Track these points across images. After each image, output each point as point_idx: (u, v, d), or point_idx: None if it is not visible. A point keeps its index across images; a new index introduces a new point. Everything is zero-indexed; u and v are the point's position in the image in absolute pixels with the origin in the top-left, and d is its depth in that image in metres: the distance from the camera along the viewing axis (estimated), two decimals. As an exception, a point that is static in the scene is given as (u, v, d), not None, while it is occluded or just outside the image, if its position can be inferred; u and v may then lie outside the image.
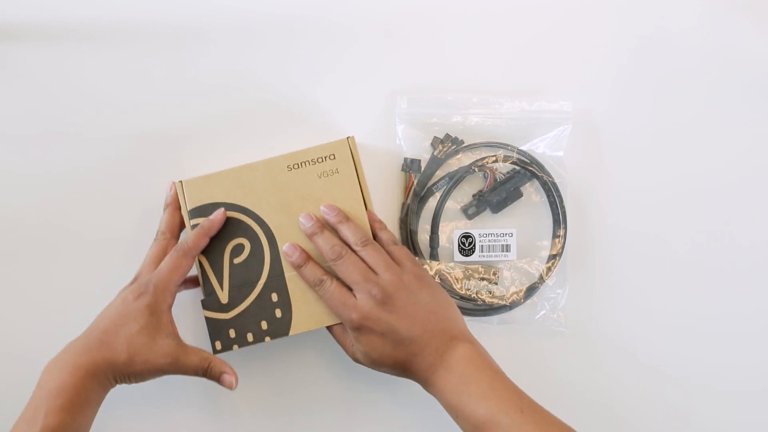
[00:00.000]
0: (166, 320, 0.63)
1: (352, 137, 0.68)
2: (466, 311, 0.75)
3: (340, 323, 0.67)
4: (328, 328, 0.68)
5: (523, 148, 0.76)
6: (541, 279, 0.75)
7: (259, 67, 0.77)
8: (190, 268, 0.67)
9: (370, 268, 0.64)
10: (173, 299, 0.65)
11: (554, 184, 0.75)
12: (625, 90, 0.78)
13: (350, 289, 0.65)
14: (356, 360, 0.66)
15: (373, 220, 0.68)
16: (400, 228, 0.76)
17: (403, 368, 0.63)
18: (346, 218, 0.67)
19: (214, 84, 0.77)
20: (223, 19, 0.77)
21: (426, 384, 0.63)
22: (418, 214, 0.75)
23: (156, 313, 0.63)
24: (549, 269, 0.75)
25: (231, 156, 0.74)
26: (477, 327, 0.75)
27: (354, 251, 0.65)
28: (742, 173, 0.78)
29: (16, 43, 0.76)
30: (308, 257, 0.67)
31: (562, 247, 0.75)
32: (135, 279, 0.66)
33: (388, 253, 0.66)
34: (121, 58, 0.76)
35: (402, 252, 0.67)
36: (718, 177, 0.78)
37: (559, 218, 0.75)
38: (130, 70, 0.76)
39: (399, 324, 0.62)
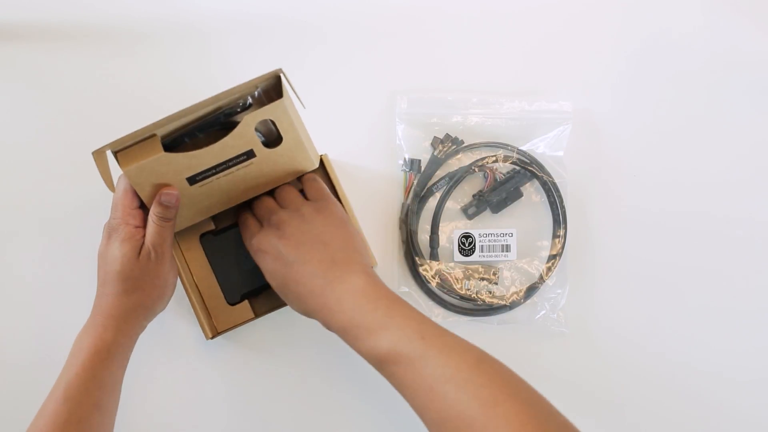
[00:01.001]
0: (139, 240, 0.63)
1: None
2: (466, 311, 0.75)
3: None
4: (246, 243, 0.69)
5: (523, 148, 0.76)
6: (541, 279, 0.75)
7: (259, 67, 0.77)
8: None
9: (279, 204, 0.66)
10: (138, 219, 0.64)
11: (554, 184, 0.75)
12: (625, 90, 0.78)
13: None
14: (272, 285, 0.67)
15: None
16: (400, 228, 0.76)
17: (300, 301, 0.62)
18: None
19: (213, 84, 0.76)
20: (222, 20, 0.77)
21: (324, 318, 0.61)
22: (418, 214, 0.75)
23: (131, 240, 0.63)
24: (549, 269, 0.75)
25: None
26: (477, 327, 0.76)
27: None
28: (743, 174, 0.78)
29: (16, 43, 0.76)
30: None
31: (562, 247, 0.75)
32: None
33: (304, 189, 0.68)
34: (120, 59, 0.77)
35: (312, 185, 0.68)
36: (718, 177, 0.78)
37: (559, 218, 0.75)
38: (130, 70, 0.77)
39: (285, 248, 0.62)
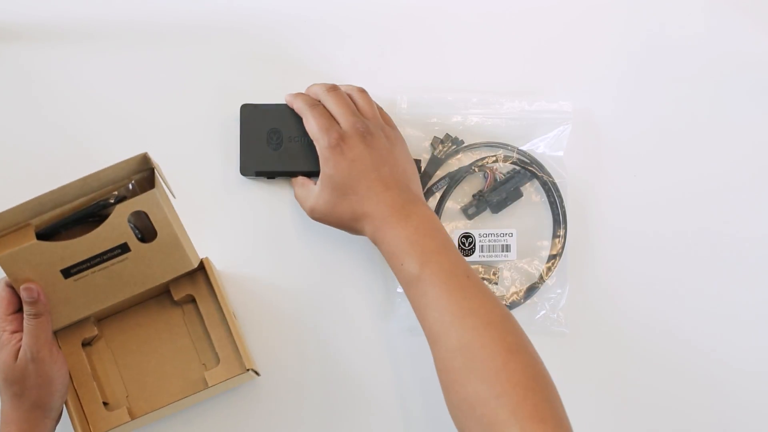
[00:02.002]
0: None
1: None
2: (466, 311, 0.75)
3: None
4: (295, 186, 0.73)
5: (523, 148, 0.76)
6: (541, 279, 0.75)
7: (259, 67, 0.77)
8: None
9: (359, 109, 0.70)
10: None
11: (554, 184, 0.75)
12: (625, 90, 0.78)
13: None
14: (315, 205, 0.69)
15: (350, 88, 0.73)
16: (400, 228, 0.76)
17: (360, 204, 0.66)
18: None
19: (211, 84, 0.77)
20: (221, 20, 0.77)
21: (379, 227, 0.65)
22: (418, 214, 0.75)
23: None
24: (549, 269, 0.75)
25: (228, 155, 0.74)
26: (477, 327, 0.76)
27: (348, 92, 0.71)
28: (745, 174, 0.78)
29: (16, 43, 0.76)
30: (300, 94, 0.73)
31: (562, 247, 0.75)
32: None
33: (380, 113, 0.72)
34: (123, 59, 0.77)
35: (388, 116, 0.73)
36: (719, 177, 0.77)
37: (559, 218, 0.75)
38: (131, 70, 0.77)
39: (371, 157, 0.66)
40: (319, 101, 0.71)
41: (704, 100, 0.78)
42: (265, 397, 0.74)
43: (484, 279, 0.75)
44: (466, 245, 0.75)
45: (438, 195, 0.76)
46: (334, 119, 0.69)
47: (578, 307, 0.76)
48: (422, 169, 0.75)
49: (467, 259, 0.75)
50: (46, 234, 0.62)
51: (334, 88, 0.70)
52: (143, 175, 0.63)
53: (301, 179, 0.72)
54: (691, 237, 0.77)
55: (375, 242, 0.67)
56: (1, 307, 0.63)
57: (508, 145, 0.76)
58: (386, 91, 0.76)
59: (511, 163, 0.75)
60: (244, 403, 0.73)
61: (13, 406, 0.63)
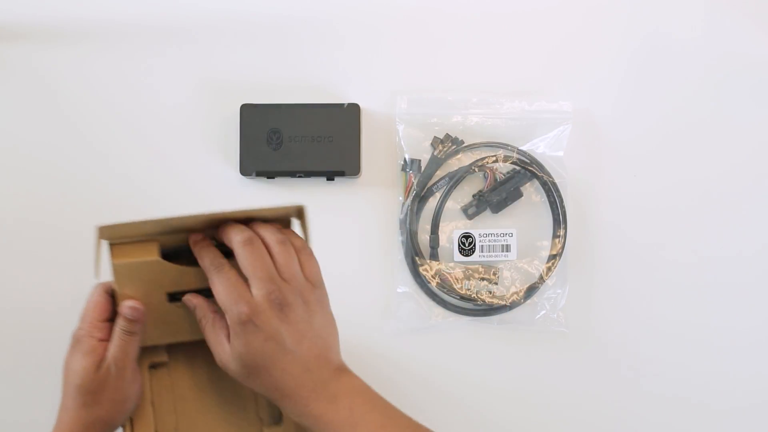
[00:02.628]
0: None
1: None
2: (466, 311, 0.75)
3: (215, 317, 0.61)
4: (202, 327, 0.62)
5: (523, 148, 0.76)
6: (541, 279, 0.75)
7: (259, 67, 0.77)
8: None
9: (277, 270, 0.60)
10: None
11: (554, 184, 0.75)
12: (625, 90, 0.78)
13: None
14: (223, 364, 0.60)
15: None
16: (401, 228, 0.76)
17: (276, 386, 0.59)
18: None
19: (211, 84, 0.77)
20: (221, 20, 0.77)
21: (303, 412, 0.58)
22: (418, 214, 0.75)
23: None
24: (549, 269, 0.75)
25: (228, 155, 0.74)
26: (477, 327, 0.76)
27: (268, 245, 0.61)
28: (744, 174, 0.77)
29: (17, 43, 0.76)
30: (209, 242, 0.62)
31: (562, 247, 0.75)
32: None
33: (300, 261, 0.61)
34: (123, 59, 0.77)
35: (312, 266, 0.62)
36: (719, 177, 0.77)
37: (559, 218, 0.75)
38: (131, 70, 0.77)
39: (288, 335, 0.58)
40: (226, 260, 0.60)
41: (705, 100, 0.78)
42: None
43: (483, 279, 0.75)
44: (466, 245, 0.75)
45: (438, 195, 0.76)
46: (245, 284, 0.58)
47: (578, 307, 0.76)
48: (422, 169, 0.75)
49: (467, 259, 0.75)
50: (167, 254, 0.60)
51: (250, 242, 0.59)
52: (287, 216, 0.61)
53: (210, 314, 0.60)
54: (691, 237, 0.77)
55: (301, 424, 0.59)
56: (94, 313, 0.59)
57: (508, 145, 0.76)
58: (386, 91, 0.76)
59: (511, 163, 0.75)
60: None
61: (77, 416, 0.59)
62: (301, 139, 0.74)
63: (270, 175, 0.75)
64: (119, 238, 0.58)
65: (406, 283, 0.75)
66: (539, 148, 0.76)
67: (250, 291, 0.58)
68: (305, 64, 0.77)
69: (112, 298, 0.59)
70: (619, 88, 0.78)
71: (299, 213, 0.61)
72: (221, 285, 0.58)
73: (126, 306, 0.58)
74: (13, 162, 0.76)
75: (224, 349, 0.59)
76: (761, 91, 0.78)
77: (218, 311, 0.59)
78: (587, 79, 0.78)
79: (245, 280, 0.58)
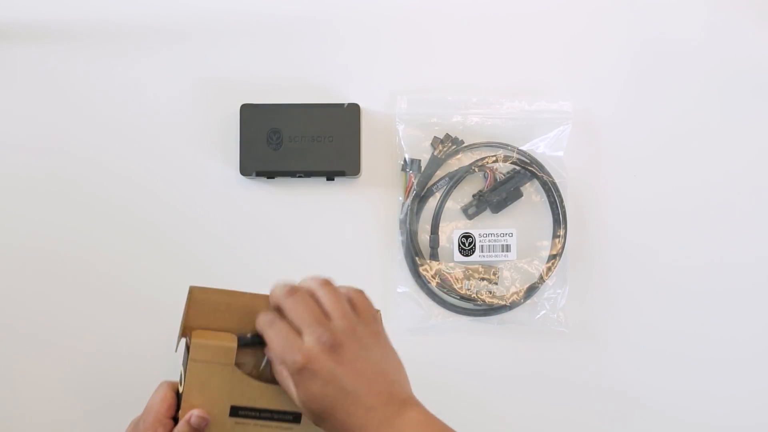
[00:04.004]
0: None
1: None
2: (466, 311, 0.75)
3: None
4: (275, 372, 0.61)
5: (523, 148, 0.76)
6: (541, 279, 0.75)
7: (259, 67, 0.77)
8: None
9: (324, 312, 0.60)
10: None
11: (554, 184, 0.75)
12: (625, 90, 0.78)
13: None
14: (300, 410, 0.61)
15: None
16: (400, 228, 0.76)
17: (344, 429, 0.58)
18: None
19: (211, 84, 0.77)
20: (221, 20, 0.77)
21: None
22: (418, 214, 0.75)
23: None
24: (549, 269, 0.75)
25: (228, 155, 0.74)
26: (477, 327, 0.76)
27: (311, 291, 0.61)
28: (744, 174, 0.77)
29: (10, 43, 0.76)
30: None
31: (562, 247, 0.75)
32: None
33: (349, 299, 0.61)
34: (123, 59, 0.77)
35: (362, 301, 0.62)
36: (719, 177, 0.77)
37: (559, 218, 0.75)
38: (131, 70, 0.77)
39: (345, 376, 0.57)
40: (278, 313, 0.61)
41: (706, 102, 0.78)
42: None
43: (483, 279, 0.75)
44: (466, 245, 0.75)
45: (438, 195, 0.76)
46: (298, 335, 0.58)
47: (578, 307, 0.76)
48: (422, 169, 0.75)
49: (467, 259, 0.75)
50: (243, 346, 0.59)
51: (293, 292, 0.59)
52: None
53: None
54: (691, 238, 0.77)
55: None
56: (161, 407, 0.59)
57: (508, 145, 0.76)
58: (386, 91, 0.76)
59: (511, 163, 0.75)
60: None
61: None
62: (301, 139, 0.74)
63: (270, 175, 0.75)
64: (205, 324, 0.58)
65: (406, 283, 0.75)
66: (539, 148, 0.76)
67: (303, 340, 0.58)
68: (305, 64, 0.77)
69: (177, 395, 0.59)
70: (620, 88, 0.78)
71: None
72: (274, 339, 0.59)
73: (195, 414, 0.58)
74: (12, 162, 0.76)
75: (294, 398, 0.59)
76: (763, 94, 0.78)
77: None
78: (587, 79, 0.78)
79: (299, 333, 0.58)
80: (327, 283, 0.61)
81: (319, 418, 0.58)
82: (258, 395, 0.59)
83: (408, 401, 0.60)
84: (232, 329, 0.59)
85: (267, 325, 0.59)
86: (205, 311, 0.58)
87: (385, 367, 0.60)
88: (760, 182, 0.77)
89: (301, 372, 0.57)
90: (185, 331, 0.57)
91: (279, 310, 0.59)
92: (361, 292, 0.62)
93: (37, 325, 0.74)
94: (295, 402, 0.59)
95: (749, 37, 0.78)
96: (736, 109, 0.78)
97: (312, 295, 0.60)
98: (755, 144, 0.78)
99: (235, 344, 0.58)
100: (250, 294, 0.59)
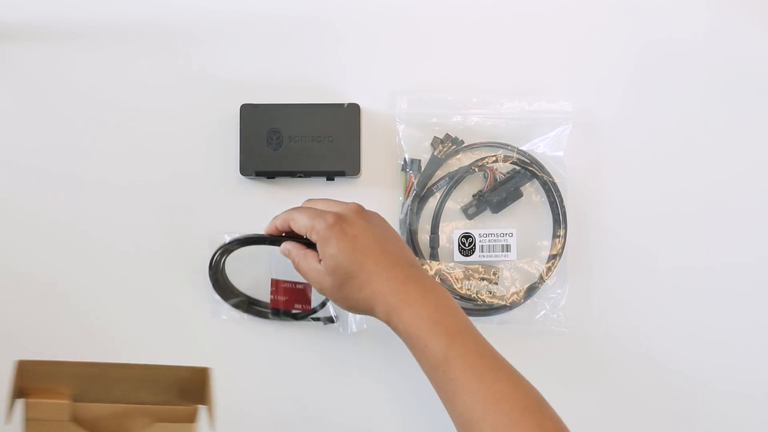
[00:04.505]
0: None
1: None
2: (466, 311, 0.75)
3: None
4: (297, 265, 0.67)
5: (523, 148, 0.76)
6: (541, 279, 0.75)
7: (259, 67, 0.77)
8: None
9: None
10: None
11: (554, 184, 0.75)
12: (625, 90, 0.78)
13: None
14: (320, 285, 0.65)
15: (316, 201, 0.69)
16: (401, 228, 0.76)
17: (370, 282, 0.61)
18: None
19: (211, 84, 0.77)
20: (221, 20, 0.77)
21: (397, 303, 0.61)
22: (418, 214, 0.75)
23: None
24: (549, 269, 0.75)
25: (228, 155, 0.74)
26: (477, 327, 0.75)
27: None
28: (746, 175, 0.77)
29: (12, 43, 0.76)
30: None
31: (562, 247, 0.75)
32: None
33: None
34: (123, 59, 0.77)
35: (354, 203, 0.67)
36: (719, 177, 0.77)
37: (559, 218, 0.75)
38: (131, 70, 0.77)
39: (374, 232, 0.63)
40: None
41: (707, 102, 0.78)
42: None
43: (483, 279, 0.75)
44: (466, 245, 0.75)
45: (438, 195, 0.76)
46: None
47: (578, 307, 0.76)
48: (422, 169, 0.75)
49: (467, 259, 0.75)
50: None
51: (300, 207, 0.67)
52: (195, 381, 0.59)
53: (301, 250, 0.66)
54: (691, 238, 0.77)
55: (389, 323, 0.62)
56: None
57: (508, 145, 0.76)
58: (386, 91, 0.76)
59: (511, 163, 0.75)
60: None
61: None
62: (301, 139, 0.74)
63: (270, 175, 0.75)
64: (36, 381, 0.57)
65: (406, 283, 0.75)
66: (539, 148, 0.76)
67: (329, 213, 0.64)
68: (305, 64, 0.77)
69: None
70: (620, 87, 0.78)
71: (202, 376, 0.58)
72: (303, 215, 0.65)
73: None
74: (12, 162, 0.76)
75: (318, 269, 0.64)
76: (765, 96, 0.78)
77: (309, 247, 0.65)
78: (588, 79, 0.78)
79: None
80: (319, 198, 0.68)
81: (347, 274, 0.62)
82: None
83: (430, 276, 0.66)
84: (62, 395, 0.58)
85: (292, 212, 0.66)
86: (33, 379, 0.57)
87: (404, 243, 0.67)
88: (760, 181, 0.78)
89: (333, 226, 0.62)
90: (15, 393, 0.56)
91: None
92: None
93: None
94: (317, 276, 0.64)
95: (751, 38, 0.78)
96: (737, 109, 0.78)
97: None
98: (756, 145, 0.78)
99: (68, 400, 0.58)
100: (80, 362, 0.58)
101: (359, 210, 0.65)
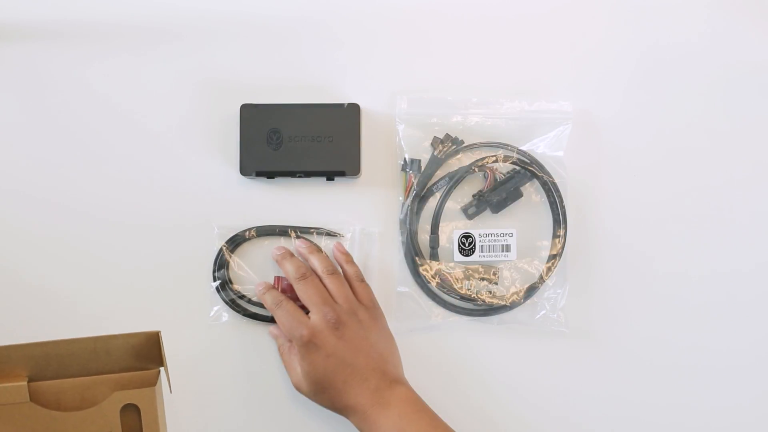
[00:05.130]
0: None
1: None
2: (466, 311, 0.75)
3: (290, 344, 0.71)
4: (281, 354, 0.72)
5: (523, 148, 0.76)
6: (541, 279, 0.75)
7: (259, 67, 0.77)
8: None
9: (330, 295, 0.70)
10: None
11: (554, 184, 0.75)
12: (625, 90, 0.78)
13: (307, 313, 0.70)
14: (298, 386, 0.69)
15: (339, 252, 0.73)
16: (401, 228, 0.76)
17: (340, 398, 0.67)
18: (317, 250, 0.73)
19: (211, 84, 0.77)
20: (221, 21, 0.77)
21: (362, 419, 0.66)
22: (418, 214, 0.75)
23: None
24: (549, 269, 0.75)
25: (228, 155, 0.74)
26: (477, 327, 0.76)
27: (319, 278, 0.71)
28: (746, 175, 0.77)
29: (12, 43, 0.76)
30: (270, 287, 0.72)
31: (562, 247, 0.75)
32: None
33: (353, 288, 0.71)
34: (123, 59, 0.77)
35: (365, 290, 0.72)
36: (719, 177, 0.77)
37: (559, 218, 0.75)
38: (130, 70, 0.77)
39: (345, 350, 0.67)
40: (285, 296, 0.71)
41: (706, 102, 0.78)
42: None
43: (483, 279, 0.75)
44: (466, 245, 0.75)
45: (438, 195, 0.76)
46: (304, 313, 0.69)
47: (578, 307, 0.76)
48: (422, 169, 0.76)
49: (467, 259, 0.75)
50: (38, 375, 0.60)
51: (303, 276, 0.70)
52: (149, 346, 0.61)
53: (287, 342, 0.71)
54: (691, 238, 0.77)
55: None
56: None
57: (508, 145, 0.76)
58: (386, 91, 0.76)
59: (511, 163, 0.75)
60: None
61: None
62: (301, 139, 0.74)
63: (270, 175, 0.75)
64: None
65: (406, 283, 0.75)
66: (539, 148, 0.76)
67: (309, 317, 0.68)
68: (305, 64, 0.77)
69: None
70: (620, 88, 0.78)
71: (154, 341, 0.60)
72: (283, 317, 0.69)
73: None
74: (11, 162, 0.76)
75: (297, 372, 0.69)
76: (765, 97, 0.78)
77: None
78: (588, 80, 0.78)
79: (306, 311, 0.69)
80: (333, 272, 0.71)
81: (319, 387, 0.67)
82: (65, 425, 0.60)
83: (398, 379, 0.69)
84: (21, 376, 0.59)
85: (275, 305, 0.70)
86: None
87: (381, 347, 0.70)
88: (760, 181, 0.78)
89: (306, 345, 0.67)
90: None
91: (283, 291, 0.71)
92: (363, 282, 0.72)
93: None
94: (295, 378, 0.69)
95: (752, 40, 0.78)
96: (738, 110, 0.78)
97: (320, 281, 0.71)
98: (756, 145, 0.78)
99: (25, 381, 0.59)
100: (30, 343, 0.59)
101: (336, 323, 0.68)
